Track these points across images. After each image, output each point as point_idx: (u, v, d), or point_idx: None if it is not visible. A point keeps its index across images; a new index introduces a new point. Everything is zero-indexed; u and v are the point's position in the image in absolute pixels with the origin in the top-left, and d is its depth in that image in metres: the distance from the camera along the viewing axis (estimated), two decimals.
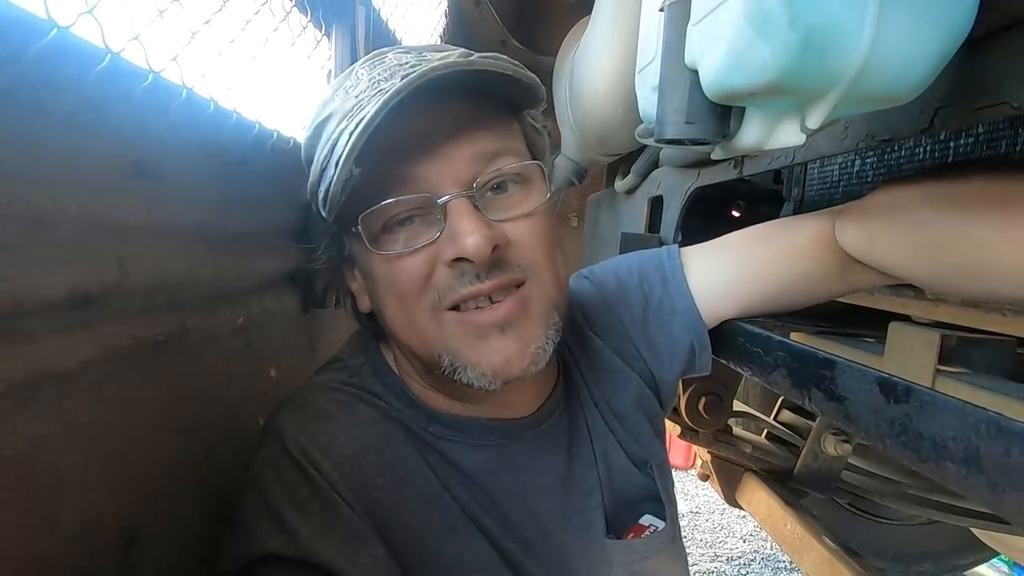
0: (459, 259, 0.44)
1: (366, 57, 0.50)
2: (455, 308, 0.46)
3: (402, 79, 0.42)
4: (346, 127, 0.45)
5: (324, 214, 0.47)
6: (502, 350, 0.46)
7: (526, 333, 0.47)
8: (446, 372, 0.47)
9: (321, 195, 0.47)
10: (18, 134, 0.34)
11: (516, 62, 0.47)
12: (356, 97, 0.46)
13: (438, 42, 1.60)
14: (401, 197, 0.45)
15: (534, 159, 0.51)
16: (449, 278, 0.45)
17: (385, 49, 0.50)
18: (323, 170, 0.47)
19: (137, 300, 0.46)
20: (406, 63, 0.47)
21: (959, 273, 0.45)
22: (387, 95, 0.41)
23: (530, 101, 0.50)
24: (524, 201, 0.48)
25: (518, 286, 0.47)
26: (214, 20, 0.54)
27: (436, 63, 0.43)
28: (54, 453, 0.37)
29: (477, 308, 0.46)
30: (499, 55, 0.47)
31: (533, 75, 0.47)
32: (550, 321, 0.48)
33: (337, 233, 0.51)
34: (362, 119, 0.42)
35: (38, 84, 0.35)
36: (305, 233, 0.59)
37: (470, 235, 0.43)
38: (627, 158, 1.26)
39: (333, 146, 0.46)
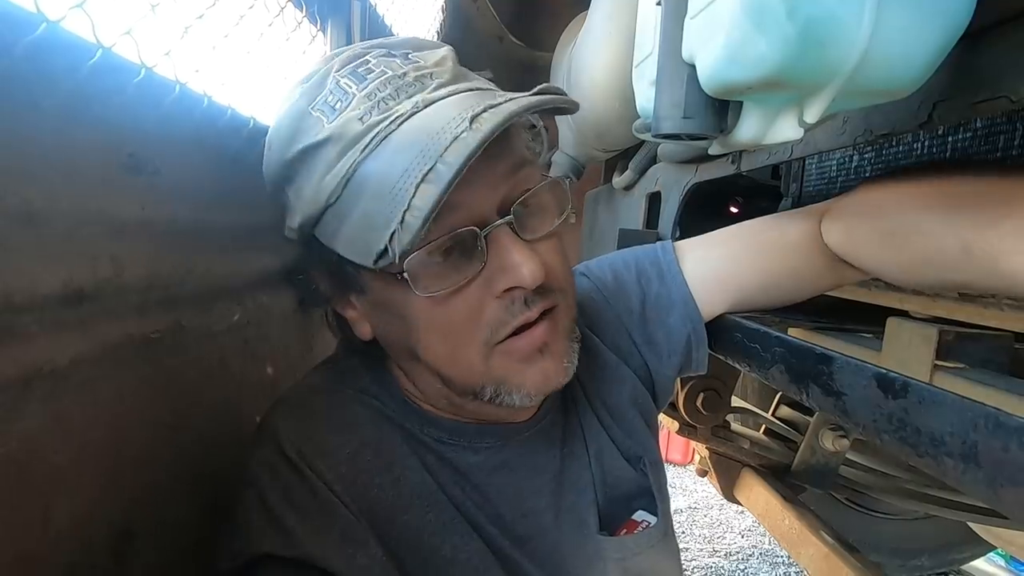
0: (510, 288, 0.44)
1: (342, 63, 0.45)
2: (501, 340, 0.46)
3: (471, 119, 0.39)
4: (364, 159, 0.42)
5: (371, 265, 0.42)
6: (543, 370, 0.47)
7: (559, 350, 0.48)
8: (488, 399, 0.47)
9: (372, 246, 0.41)
10: (9, 129, 0.34)
11: (560, 88, 0.46)
12: (361, 120, 0.42)
13: (435, 38, 1.60)
14: (446, 236, 0.42)
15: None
16: (500, 311, 0.45)
17: (358, 50, 0.47)
18: (330, 205, 0.43)
19: (131, 297, 0.46)
20: (403, 73, 0.44)
21: (916, 263, 0.47)
22: (469, 145, 0.37)
23: (559, 114, 0.49)
24: (546, 218, 0.48)
25: (550, 310, 0.47)
26: (207, 15, 0.53)
27: (504, 101, 0.41)
28: (47, 450, 0.37)
29: (516, 335, 0.46)
30: (550, 85, 0.45)
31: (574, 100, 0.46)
32: (573, 334, 0.50)
33: (338, 269, 0.47)
34: (432, 167, 0.38)
35: (29, 78, 0.35)
36: (293, 271, 0.55)
37: (524, 265, 0.43)
38: (625, 154, 1.25)
39: (347, 180, 0.42)
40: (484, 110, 0.40)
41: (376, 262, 0.41)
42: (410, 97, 0.43)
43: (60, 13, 0.36)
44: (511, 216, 0.44)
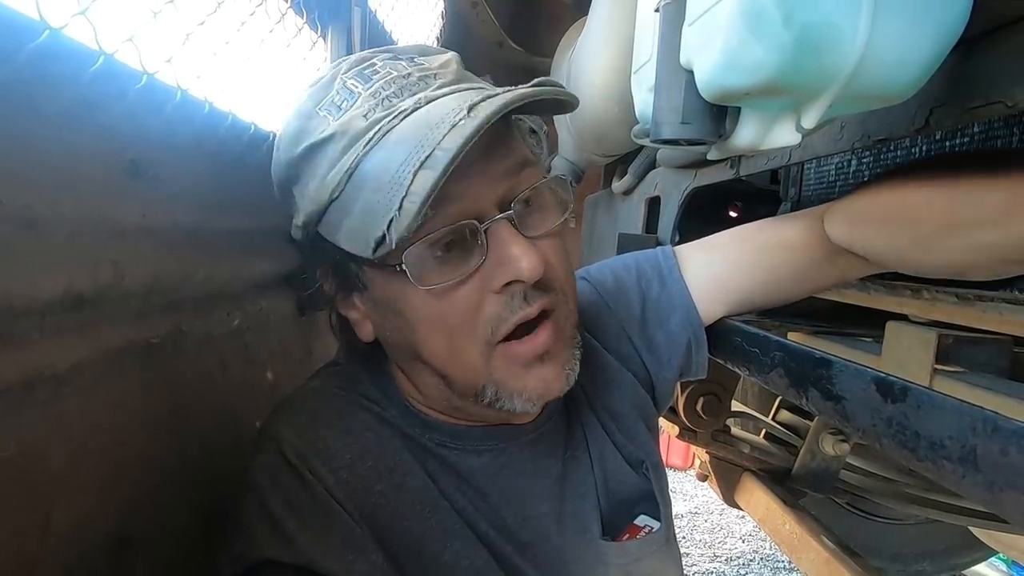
0: (509, 282, 0.44)
1: (349, 66, 0.47)
2: (503, 340, 0.46)
3: (469, 108, 0.40)
4: (366, 153, 0.42)
5: (370, 255, 0.42)
6: (543, 377, 0.47)
7: (561, 357, 0.48)
8: (488, 401, 0.47)
9: (371, 235, 0.41)
10: (11, 135, 0.34)
11: (558, 82, 0.46)
12: (365, 117, 0.43)
13: (435, 44, 1.60)
14: (445, 228, 0.42)
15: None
16: (499, 307, 0.45)
17: (366, 54, 0.48)
18: (334, 200, 0.44)
19: (132, 302, 0.46)
20: (408, 74, 0.45)
21: (940, 231, 0.46)
22: (465, 131, 0.38)
23: (559, 111, 0.49)
24: (548, 216, 0.48)
25: (551, 312, 0.47)
26: (208, 21, 0.54)
27: (502, 92, 0.42)
28: (47, 455, 0.37)
29: (518, 339, 0.46)
30: (549, 79, 0.46)
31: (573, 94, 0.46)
32: (576, 341, 0.50)
33: (341, 267, 0.48)
34: (430, 154, 0.39)
35: (31, 85, 0.35)
36: (297, 273, 0.55)
37: (523, 258, 0.43)
38: (624, 159, 1.26)
39: (350, 174, 0.43)
40: (482, 100, 0.41)
41: (375, 251, 0.41)
42: (413, 95, 0.44)
43: (63, 20, 0.36)
44: (512, 211, 0.45)
